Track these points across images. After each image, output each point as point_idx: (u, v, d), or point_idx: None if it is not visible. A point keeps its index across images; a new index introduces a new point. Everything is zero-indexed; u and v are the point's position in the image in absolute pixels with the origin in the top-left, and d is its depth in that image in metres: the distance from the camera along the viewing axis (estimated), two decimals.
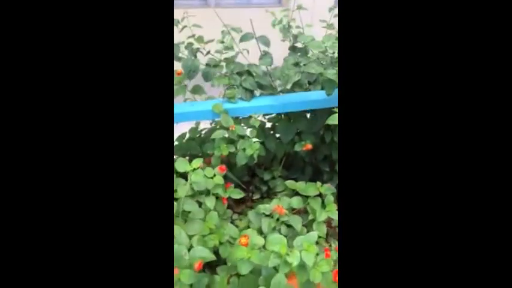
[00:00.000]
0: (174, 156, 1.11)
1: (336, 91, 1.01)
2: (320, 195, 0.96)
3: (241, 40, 1.08)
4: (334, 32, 1.16)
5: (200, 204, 0.90)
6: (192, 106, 1.03)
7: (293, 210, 0.96)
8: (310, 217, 0.95)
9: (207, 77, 1.03)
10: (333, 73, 0.97)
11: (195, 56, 1.02)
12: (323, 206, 0.95)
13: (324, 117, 1.14)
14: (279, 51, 1.21)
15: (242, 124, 1.06)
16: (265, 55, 1.08)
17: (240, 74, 1.06)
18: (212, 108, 0.99)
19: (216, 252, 0.83)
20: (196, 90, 1.12)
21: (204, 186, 0.87)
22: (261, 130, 1.17)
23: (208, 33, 1.12)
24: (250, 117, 1.19)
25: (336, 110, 0.89)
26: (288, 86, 1.11)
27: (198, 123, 1.23)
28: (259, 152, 1.02)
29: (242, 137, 0.99)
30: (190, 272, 0.68)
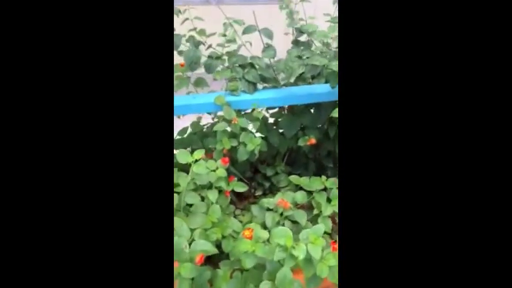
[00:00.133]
0: (176, 151, 1.09)
1: None
2: (325, 189, 0.94)
3: (244, 32, 1.06)
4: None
5: (202, 198, 0.87)
6: (194, 99, 1.00)
7: (297, 206, 0.94)
8: (315, 212, 0.92)
9: (209, 68, 1.01)
10: (337, 66, 0.95)
11: (197, 48, 0.99)
12: (328, 200, 0.92)
13: (328, 112, 1.12)
14: (282, 45, 1.19)
15: (245, 119, 1.04)
16: (268, 47, 1.06)
17: (242, 66, 1.04)
18: (214, 101, 0.97)
19: (218, 246, 0.80)
20: (199, 82, 1.10)
21: (206, 179, 0.84)
22: (263, 125, 1.14)
23: (210, 30, 1.10)
24: (253, 110, 1.17)
25: None
26: (292, 80, 1.09)
27: (199, 118, 1.21)
28: (261, 148, 1.00)
29: (245, 129, 0.97)
30: (191, 266, 0.66)
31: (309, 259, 0.71)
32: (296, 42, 1.15)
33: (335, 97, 1.03)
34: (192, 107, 0.98)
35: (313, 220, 0.92)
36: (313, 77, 1.14)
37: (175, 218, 0.74)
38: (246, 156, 1.00)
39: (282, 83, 1.13)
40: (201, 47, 1.08)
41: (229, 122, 0.98)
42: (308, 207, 0.98)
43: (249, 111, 1.18)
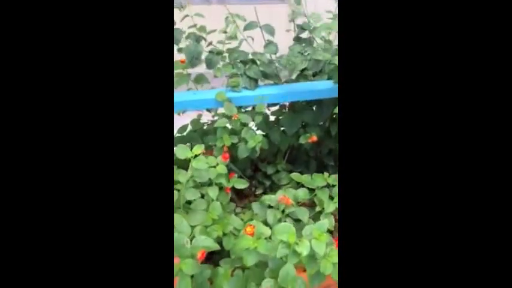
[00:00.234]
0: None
1: None
2: (327, 186, 0.93)
3: (246, 29, 1.05)
4: None
5: (202, 196, 0.86)
6: (195, 95, 0.99)
7: (298, 203, 0.92)
8: (318, 209, 0.91)
9: (210, 64, 0.99)
10: None
11: (198, 43, 0.98)
12: (330, 197, 0.91)
13: (329, 109, 1.11)
14: (283, 44, 1.18)
15: (246, 114, 1.02)
16: (270, 43, 1.05)
17: (244, 62, 1.03)
18: (215, 97, 0.96)
19: (219, 244, 0.79)
20: (199, 79, 1.08)
21: (206, 175, 0.82)
22: (264, 122, 1.13)
23: (210, 29, 1.09)
24: (253, 108, 1.16)
25: None
26: (294, 76, 1.08)
27: (199, 116, 1.20)
28: (262, 145, 0.99)
29: (245, 125, 0.95)
30: (193, 262, 0.64)
31: (312, 256, 0.69)
32: (298, 40, 1.14)
33: (337, 94, 1.02)
34: (192, 103, 0.96)
35: (316, 218, 0.91)
36: (314, 74, 1.13)
37: (175, 215, 0.72)
38: (246, 153, 0.98)
39: (284, 80, 1.12)
40: (202, 44, 1.07)
41: (230, 118, 0.97)
42: (310, 205, 0.96)
43: (249, 109, 1.16)
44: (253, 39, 1.06)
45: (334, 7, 1.22)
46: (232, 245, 0.77)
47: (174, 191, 0.78)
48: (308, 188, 0.93)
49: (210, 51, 1.02)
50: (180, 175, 0.78)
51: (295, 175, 0.98)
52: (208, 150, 1.05)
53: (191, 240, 0.68)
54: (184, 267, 0.63)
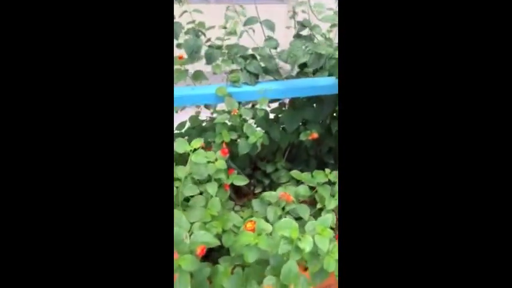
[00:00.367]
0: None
1: None
2: (329, 183, 0.91)
3: (246, 24, 1.04)
4: None
5: (201, 193, 0.83)
6: (193, 90, 0.97)
7: (299, 201, 0.90)
8: (318, 206, 0.89)
9: (210, 58, 0.98)
10: None
11: (198, 37, 0.96)
12: (332, 194, 0.89)
13: (330, 106, 1.10)
14: (283, 42, 1.16)
15: (246, 109, 1.00)
16: (270, 38, 1.03)
17: (244, 57, 1.01)
18: (215, 92, 0.94)
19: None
20: (198, 76, 1.06)
21: (205, 171, 0.80)
22: (264, 119, 1.11)
23: (209, 28, 1.08)
24: (253, 106, 1.14)
25: None
26: (294, 73, 1.06)
27: (198, 113, 1.17)
28: (263, 141, 0.97)
29: (246, 120, 0.93)
30: (192, 258, 0.61)
31: (314, 253, 0.67)
32: (298, 37, 1.13)
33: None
34: (191, 98, 0.94)
35: (316, 215, 0.89)
36: (315, 72, 1.12)
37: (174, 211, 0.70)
38: (247, 149, 0.96)
39: (284, 76, 1.10)
40: (201, 39, 1.05)
41: (229, 113, 0.95)
42: (310, 203, 0.94)
43: (248, 106, 1.15)
44: (254, 30, 1.04)
45: (335, 6, 1.21)
46: (232, 242, 0.75)
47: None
48: (308, 187, 0.91)
49: (210, 46, 1.00)
50: (178, 170, 0.76)
51: (295, 173, 0.96)
52: (207, 147, 1.03)
53: (190, 236, 0.66)
54: (183, 263, 0.60)
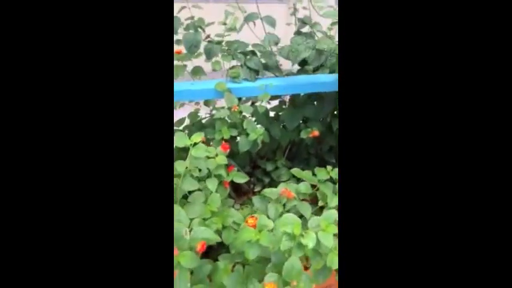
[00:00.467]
0: None
1: None
2: (331, 180, 0.89)
3: (246, 19, 1.02)
4: None
5: (200, 190, 0.81)
6: (193, 85, 0.95)
7: (300, 200, 0.88)
8: (320, 204, 0.87)
9: (209, 54, 0.96)
10: None
11: (197, 31, 0.95)
12: (334, 191, 0.87)
13: (331, 104, 1.09)
14: (283, 41, 1.15)
15: (247, 105, 0.99)
16: (270, 34, 1.02)
17: (244, 53, 1.00)
18: (215, 87, 0.92)
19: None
20: (197, 71, 1.05)
21: (205, 165, 0.78)
22: (264, 117, 1.10)
23: (208, 28, 1.06)
24: (252, 104, 1.13)
25: None
26: (295, 69, 1.05)
27: (197, 110, 1.16)
28: (263, 138, 0.95)
29: (246, 117, 0.92)
30: (192, 255, 0.59)
31: (317, 250, 0.65)
32: (298, 34, 1.11)
33: None
34: (190, 94, 0.93)
35: (318, 213, 0.87)
36: (315, 69, 1.10)
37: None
38: (247, 146, 0.95)
39: (285, 73, 1.09)
40: (200, 35, 1.04)
41: (229, 110, 0.93)
42: (311, 202, 0.92)
43: (248, 104, 1.13)
44: (254, 23, 1.03)
45: (334, 2, 1.20)
46: (233, 239, 0.73)
47: None
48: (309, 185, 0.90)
49: (209, 41, 0.99)
50: (177, 165, 0.74)
51: (295, 170, 0.94)
52: (207, 145, 1.01)
53: (190, 232, 0.64)
54: (183, 260, 0.58)
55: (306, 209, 0.84)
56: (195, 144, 0.73)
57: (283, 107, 1.18)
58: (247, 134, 0.92)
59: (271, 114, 1.17)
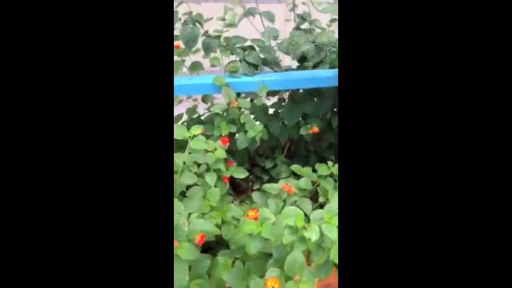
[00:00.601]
0: None
1: None
2: (331, 176, 0.88)
3: (246, 14, 1.01)
4: None
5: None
6: (191, 80, 0.94)
7: (300, 196, 0.87)
8: (321, 200, 0.85)
9: (207, 48, 0.95)
10: None
11: (195, 25, 0.94)
12: (334, 187, 0.86)
13: (331, 100, 1.08)
14: (283, 36, 1.14)
15: (246, 100, 0.97)
16: (270, 29, 1.01)
17: (243, 48, 0.99)
18: (213, 81, 0.91)
19: (217, 235, 0.72)
20: (195, 66, 1.04)
21: (204, 159, 0.77)
22: (263, 114, 1.08)
23: (206, 24, 1.05)
24: (251, 101, 1.11)
25: None
26: (294, 66, 1.04)
27: (195, 106, 1.14)
28: (262, 135, 0.94)
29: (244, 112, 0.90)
30: (190, 247, 0.57)
31: (319, 244, 0.63)
32: (298, 30, 1.11)
33: None
34: (188, 88, 0.91)
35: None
36: (315, 65, 1.09)
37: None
38: (246, 143, 0.93)
39: (284, 69, 1.08)
40: (198, 29, 1.02)
41: (228, 105, 0.92)
42: (311, 199, 0.91)
43: (247, 100, 1.12)
44: (254, 16, 1.02)
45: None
46: (232, 234, 0.71)
47: None
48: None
49: (207, 35, 0.98)
50: (176, 157, 0.72)
51: (295, 167, 0.93)
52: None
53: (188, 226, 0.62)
54: (181, 252, 0.56)
55: (307, 204, 0.82)
56: (194, 136, 0.71)
57: (283, 103, 1.16)
58: (246, 132, 0.91)
59: (271, 110, 1.16)
